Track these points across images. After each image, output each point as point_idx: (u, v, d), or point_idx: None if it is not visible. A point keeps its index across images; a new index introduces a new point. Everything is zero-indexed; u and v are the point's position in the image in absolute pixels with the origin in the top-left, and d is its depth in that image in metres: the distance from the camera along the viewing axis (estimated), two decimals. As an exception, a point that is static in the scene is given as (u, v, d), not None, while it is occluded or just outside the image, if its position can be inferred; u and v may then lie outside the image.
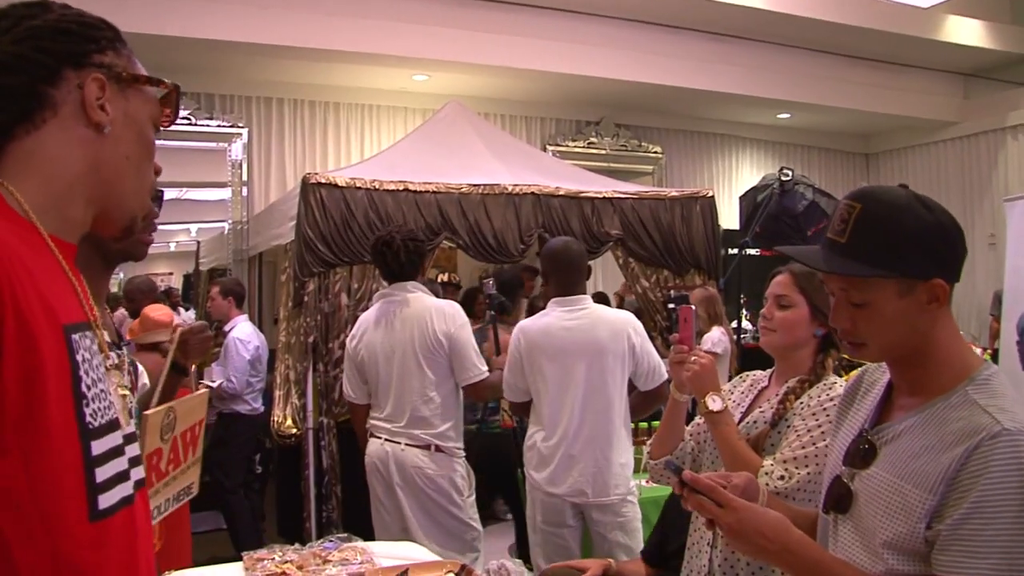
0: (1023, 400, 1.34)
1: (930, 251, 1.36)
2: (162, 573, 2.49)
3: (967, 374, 1.37)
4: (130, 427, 1.10)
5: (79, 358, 0.96)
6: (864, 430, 1.47)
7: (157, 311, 4.96)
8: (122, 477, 1.03)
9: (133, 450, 1.09)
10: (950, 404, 1.35)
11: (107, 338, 1.09)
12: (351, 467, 4.36)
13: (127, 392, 1.12)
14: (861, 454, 1.44)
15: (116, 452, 1.02)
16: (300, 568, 2.34)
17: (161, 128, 1.19)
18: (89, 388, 0.97)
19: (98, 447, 0.98)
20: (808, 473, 1.88)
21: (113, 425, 1.02)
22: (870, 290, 1.38)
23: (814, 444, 1.90)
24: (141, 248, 1.80)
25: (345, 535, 2.65)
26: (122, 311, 5.77)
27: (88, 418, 0.96)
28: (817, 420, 1.93)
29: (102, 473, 0.98)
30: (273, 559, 2.38)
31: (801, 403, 2.01)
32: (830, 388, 2.03)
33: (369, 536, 3.83)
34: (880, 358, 1.47)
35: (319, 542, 2.54)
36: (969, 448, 1.26)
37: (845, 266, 1.39)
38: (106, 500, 0.98)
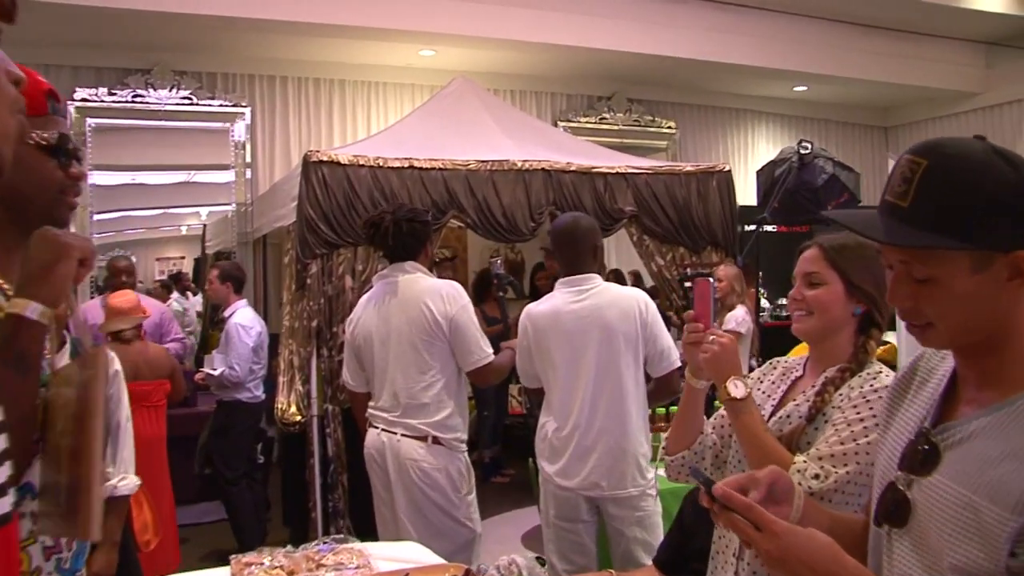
0: None
1: (1013, 218, 1.12)
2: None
3: None
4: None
5: None
6: (924, 429, 1.23)
7: (119, 298, 4.83)
8: None
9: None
10: None
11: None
12: (357, 455, 4.19)
13: None
14: (921, 457, 1.20)
15: None
16: (291, 574, 2.17)
17: None
18: None
19: None
20: (848, 472, 1.67)
21: None
22: (937, 263, 1.14)
23: (855, 440, 1.69)
24: (64, 210, 1.49)
25: (341, 536, 2.49)
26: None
27: None
28: (859, 413, 1.71)
29: None
30: (262, 564, 2.21)
31: (841, 395, 1.79)
32: (875, 377, 1.79)
33: (375, 528, 3.67)
34: (949, 344, 1.23)
35: (313, 544, 2.37)
36: None
37: (907, 235, 1.15)
38: None
